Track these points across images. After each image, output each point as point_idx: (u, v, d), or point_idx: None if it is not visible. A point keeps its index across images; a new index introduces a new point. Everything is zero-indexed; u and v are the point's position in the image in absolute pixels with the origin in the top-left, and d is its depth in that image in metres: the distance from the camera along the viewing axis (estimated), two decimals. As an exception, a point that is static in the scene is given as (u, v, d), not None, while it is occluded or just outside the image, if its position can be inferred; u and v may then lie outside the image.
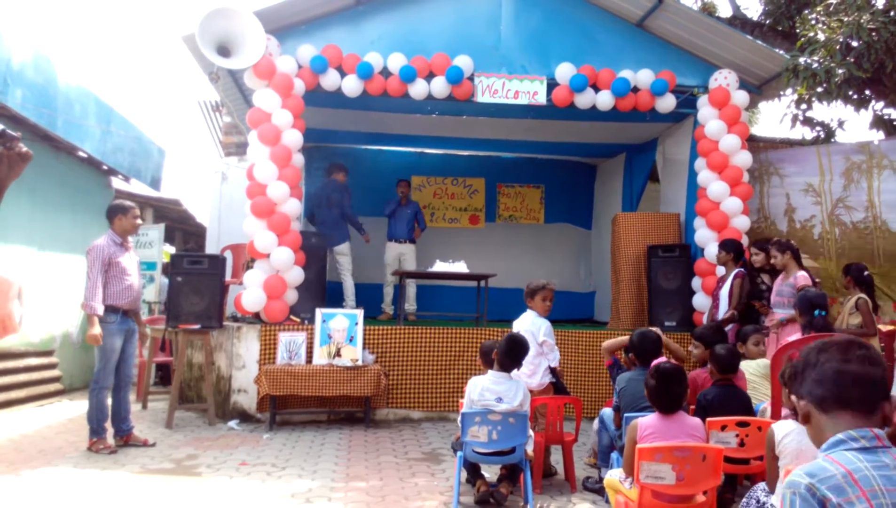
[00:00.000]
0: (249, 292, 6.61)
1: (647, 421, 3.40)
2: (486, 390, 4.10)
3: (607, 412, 4.51)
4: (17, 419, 6.52)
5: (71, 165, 8.52)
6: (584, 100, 7.16)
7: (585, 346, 7.14)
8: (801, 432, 3.03)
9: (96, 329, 5.14)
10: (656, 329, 4.70)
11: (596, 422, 4.86)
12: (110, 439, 5.37)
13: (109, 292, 5.24)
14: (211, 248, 9.44)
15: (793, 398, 1.72)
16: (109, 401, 5.37)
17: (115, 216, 5.43)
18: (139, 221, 5.55)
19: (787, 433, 3.00)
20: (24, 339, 7.57)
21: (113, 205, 5.55)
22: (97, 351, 5.27)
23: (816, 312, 4.51)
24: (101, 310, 5.16)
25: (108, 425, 5.38)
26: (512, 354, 4.19)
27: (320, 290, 7.29)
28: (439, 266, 7.42)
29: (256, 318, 6.80)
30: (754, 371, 4.86)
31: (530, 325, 4.91)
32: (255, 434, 6.00)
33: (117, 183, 9.92)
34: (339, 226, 8.32)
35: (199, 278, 6.55)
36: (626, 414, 3.95)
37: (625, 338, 4.70)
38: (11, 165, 2.37)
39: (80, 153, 8.43)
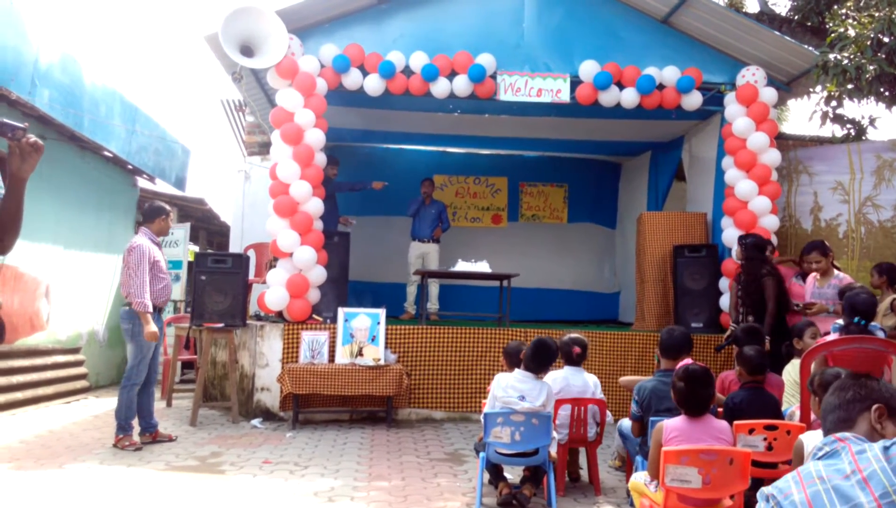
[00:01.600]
0: (272, 291, 6.63)
1: (673, 423, 3.33)
2: (511, 387, 4.07)
3: (626, 423, 4.44)
4: (44, 415, 6.61)
5: (96, 165, 8.63)
6: (609, 98, 7.08)
7: (610, 347, 7.06)
8: None
9: (153, 327, 5.26)
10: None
11: (617, 433, 4.80)
12: (136, 436, 5.42)
13: (151, 291, 5.34)
14: (234, 247, 9.50)
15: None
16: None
17: (157, 217, 5.58)
18: (169, 221, 5.71)
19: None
20: (52, 336, 7.68)
21: (156, 206, 5.67)
22: (133, 348, 5.36)
23: (856, 319, 4.40)
24: (151, 307, 5.28)
25: (135, 422, 5.44)
26: (538, 358, 4.16)
27: (343, 289, 7.29)
28: (462, 266, 7.39)
29: (279, 317, 6.82)
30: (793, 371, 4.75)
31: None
32: (278, 433, 6.02)
33: (142, 183, 10.03)
34: (329, 220, 8.12)
35: (222, 277, 6.59)
36: (651, 418, 3.88)
37: (641, 378, 4.60)
38: (24, 158, 2.33)
39: (106, 153, 8.53)
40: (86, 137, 7.74)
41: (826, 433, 1.75)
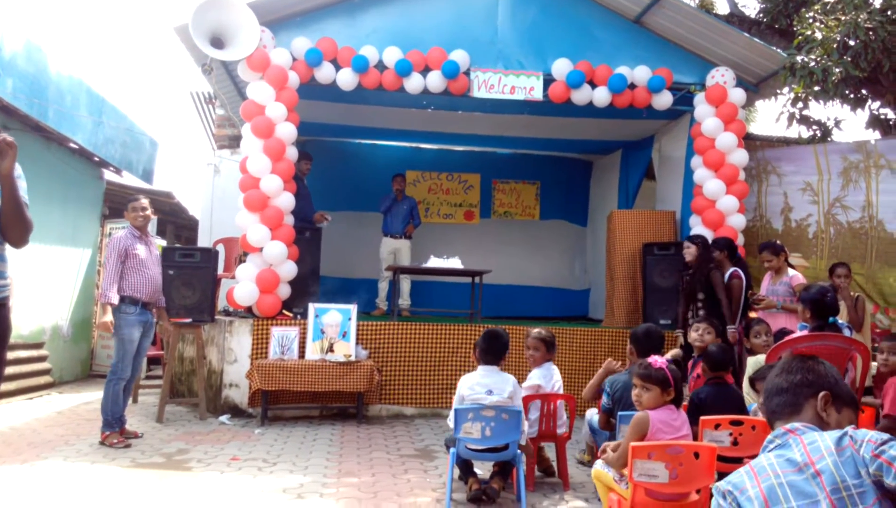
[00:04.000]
0: (242, 286, 6.56)
1: (658, 415, 3.35)
2: (477, 383, 4.10)
3: (594, 415, 4.48)
4: (6, 411, 6.46)
5: (62, 157, 8.45)
6: (581, 96, 7.12)
7: (580, 344, 7.12)
8: None
9: (108, 317, 5.20)
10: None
11: (586, 426, 4.85)
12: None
13: (129, 284, 5.29)
14: (203, 241, 9.37)
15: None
16: None
17: (126, 209, 5.55)
18: (143, 213, 5.52)
19: None
20: (14, 331, 7.48)
21: (128, 199, 5.66)
22: (115, 342, 5.31)
23: (832, 318, 4.49)
24: (114, 299, 5.20)
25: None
26: (491, 348, 4.20)
27: (314, 284, 7.24)
28: (434, 262, 7.39)
29: (249, 312, 6.75)
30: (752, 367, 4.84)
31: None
32: (247, 429, 5.96)
33: (109, 175, 9.85)
34: (302, 217, 8.00)
35: (190, 272, 6.51)
36: (621, 412, 3.92)
37: (597, 378, 4.63)
38: (3, 157, 2.43)
39: (72, 144, 8.36)
40: (51, 127, 7.57)
41: (770, 416, 1.73)
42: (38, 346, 7.95)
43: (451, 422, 4.11)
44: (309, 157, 8.20)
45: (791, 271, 6.12)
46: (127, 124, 9.50)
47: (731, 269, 6.31)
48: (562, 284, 10.51)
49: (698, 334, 4.86)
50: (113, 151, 9.14)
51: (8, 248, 2.77)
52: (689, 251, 6.31)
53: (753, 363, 4.75)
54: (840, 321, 5.44)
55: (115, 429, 5.26)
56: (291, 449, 5.28)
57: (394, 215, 8.75)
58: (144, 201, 5.59)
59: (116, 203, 10.48)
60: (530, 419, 4.47)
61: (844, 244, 7.59)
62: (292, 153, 6.94)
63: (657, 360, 3.50)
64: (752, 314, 6.16)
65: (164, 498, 4.00)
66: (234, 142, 9.60)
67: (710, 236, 7.05)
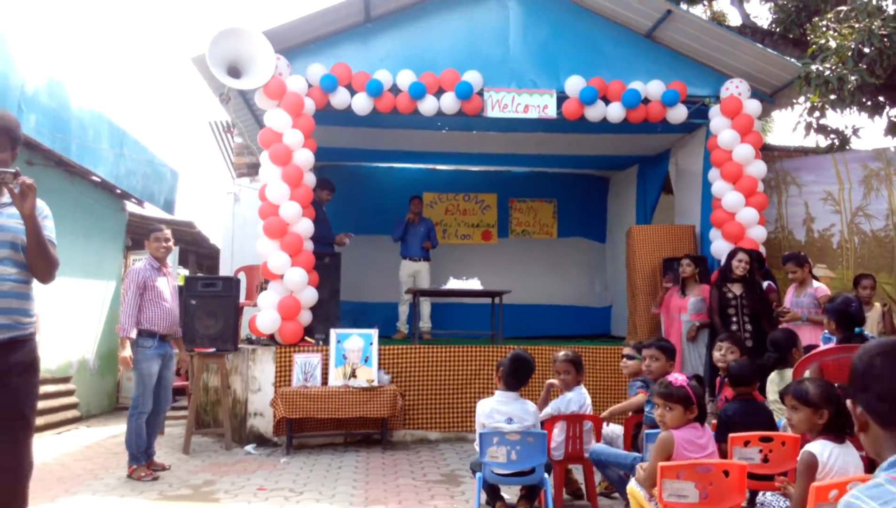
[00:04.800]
0: (264, 314, 6.59)
1: (682, 434, 3.31)
2: (495, 411, 4.05)
3: (600, 448, 4.39)
4: (35, 447, 6.50)
5: (84, 190, 8.59)
6: (595, 112, 7.13)
7: (603, 362, 7.06)
8: (842, 451, 2.95)
9: (126, 352, 5.17)
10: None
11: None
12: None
13: (146, 317, 5.27)
14: (224, 270, 9.45)
15: (848, 403, 1.62)
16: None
17: (147, 240, 5.56)
18: (167, 244, 5.55)
19: (829, 453, 2.92)
20: (42, 366, 7.56)
21: (148, 229, 5.67)
22: (135, 377, 5.30)
23: (858, 329, 4.42)
24: (133, 333, 5.19)
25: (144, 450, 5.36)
26: (517, 374, 4.15)
27: (334, 310, 7.26)
28: (453, 283, 7.38)
29: (271, 340, 6.78)
30: None
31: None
32: (273, 458, 5.96)
33: (131, 207, 9.99)
34: (321, 245, 8.08)
35: (213, 301, 6.54)
36: (647, 431, 3.87)
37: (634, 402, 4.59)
38: (23, 198, 2.55)
39: (94, 177, 8.49)
40: (73, 161, 7.70)
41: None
42: (66, 380, 8.03)
43: (477, 446, 4.08)
44: (330, 186, 8.25)
45: (816, 283, 6.07)
46: (148, 156, 9.65)
47: (766, 282, 6.29)
48: (583, 302, 10.45)
49: (721, 353, 4.74)
50: (134, 183, 9.28)
51: (35, 285, 2.88)
52: (742, 265, 6.21)
53: (775, 379, 4.67)
54: (867, 333, 5.36)
55: (141, 462, 5.26)
56: (317, 478, 5.26)
57: (411, 238, 8.77)
58: (167, 232, 5.60)
59: (139, 234, 10.62)
60: (556, 442, 4.43)
61: (870, 254, 7.48)
62: (310, 179, 7.00)
63: (678, 378, 3.46)
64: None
65: (192, 530, 4.00)
66: (252, 170, 9.70)
67: (730, 249, 6.98)
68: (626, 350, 5.15)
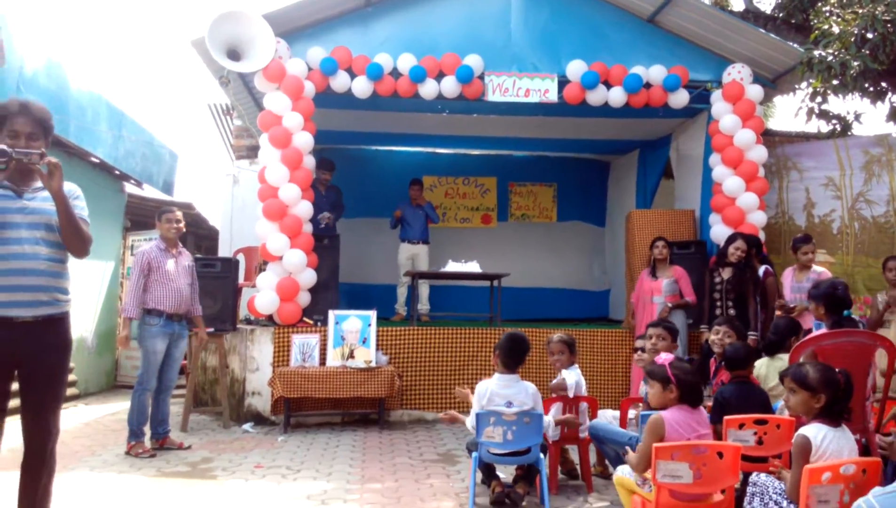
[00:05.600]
0: (262, 295, 6.61)
1: (672, 416, 3.33)
2: (495, 394, 4.06)
3: (600, 424, 4.42)
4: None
5: (83, 171, 8.56)
6: (596, 97, 7.11)
7: (601, 345, 7.09)
8: (837, 434, 2.97)
9: (124, 331, 5.38)
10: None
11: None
12: (147, 442, 5.40)
13: (152, 296, 5.37)
14: (224, 251, 9.46)
15: None
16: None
17: (158, 221, 5.62)
18: (177, 225, 5.61)
19: (824, 436, 2.94)
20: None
21: (159, 211, 5.72)
22: (141, 355, 5.41)
23: (846, 312, 4.43)
24: (133, 313, 5.31)
25: (147, 428, 5.45)
26: (513, 353, 4.15)
27: (333, 291, 7.27)
28: (452, 266, 7.39)
29: (270, 320, 6.81)
30: None
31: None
32: (270, 437, 6.00)
33: (130, 188, 9.97)
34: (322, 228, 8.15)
35: (212, 282, 6.57)
36: (642, 412, 3.90)
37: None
38: (51, 176, 2.78)
39: (93, 159, 8.48)
40: (72, 142, 7.69)
41: None
42: (64, 358, 8.06)
43: (469, 423, 4.10)
44: (329, 165, 8.25)
45: (819, 268, 6.06)
46: (147, 137, 9.63)
47: (763, 267, 6.28)
48: (581, 285, 10.47)
49: (718, 337, 4.78)
50: (133, 165, 9.27)
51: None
52: (738, 253, 6.19)
53: (760, 366, 4.68)
54: (855, 316, 5.39)
55: (140, 439, 5.32)
56: (314, 456, 5.30)
57: (411, 221, 8.77)
58: (178, 214, 5.66)
59: (138, 215, 10.62)
60: (547, 423, 4.44)
61: (870, 239, 7.48)
62: (310, 162, 6.99)
63: (661, 357, 3.51)
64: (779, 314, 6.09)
65: (190, 507, 4.04)
66: (252, 152, 9.68)
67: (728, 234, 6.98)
68: (639, 343, 5.17)
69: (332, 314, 6.58)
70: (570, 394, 4.52)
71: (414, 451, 5.52)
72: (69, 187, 2.95)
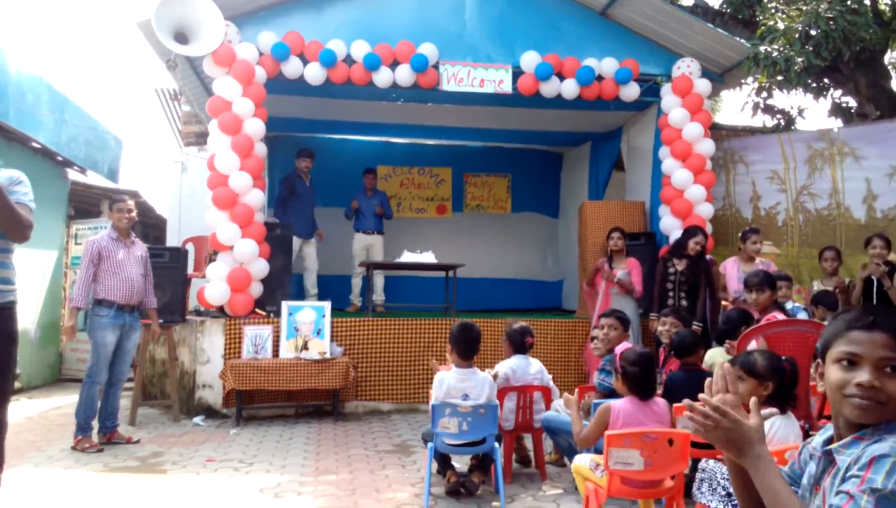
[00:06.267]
0: (213, 286, 6.48)
1: (620, 406, 3.41)
2: (452, 388, 4.07)
3: (552, 416, 4.48)
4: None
5: (24, 157, 8.23)
6: (550, 88, 7.15)
7: (554, 334, 7.17)
8: (784, 421, 3.06)
9: (70, 322, 5.25)
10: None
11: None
12: (94, 437, 5.25)
13: (103, 286, 5.24)
14: (172, 240, 9.24)
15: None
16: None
17: (109, 211, 5.44)
18: (129, 215, 5.48)
19: (772, 423, 3.03)
20: (-22, 337, 7.32)
21: (112, 200, 5.57)
22: (91, 347, 5.25)
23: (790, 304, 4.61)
24: (82, 303, 5.18)
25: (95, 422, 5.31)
26: (467, 343, 4.17)
27: (286, 282, 7.18)
28: (407, 257, 7.37)
29: (220, 312, 6.68)
30: None
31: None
32: (222, 430, 5.90)
33: (73, 175, 9.63)
34: (302, 222, 8.20)
35: (160, 272, 6.37)
36: (594, 401, 3.97)
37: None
38: None
39: (34, 144, 8.16)
40: (12, 127, 7.38)
41: None
42: (4, 351, 7.77)
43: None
44: (307, 154, 8.31)
45: (765, 260, 6.24)
46: (90, 123, 9.31)
47: (708, 257, 6.45)
48: (535, 276, 10.57)
49: (665, 328, 4.90)
50: (77, 151, 8.95)
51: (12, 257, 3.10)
52: (698, 248, 6.29)
53: (713, 355, 4.81)
54: (795, 306, 5.59)
55: (88, 434, 5.17)
56: (268, 449, 5.24)
57: (365, 211, 8.72)
58: (130, 203, 5.54)
59: (82, 203, 10.28)
60: (506, 410, 4.49)
61: (814, 231, 7.74)
62: (261, 149, 6.87)
63: (620, 347, 3.58)
64: (725, 304, 6.26)
65: (140, 502, 3.95)
66: (201, 139, 9.45)
67: (678, 226, 7.14)
68: (595, 332, 5.24)
69: (285, 305, 6.50)
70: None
71: (369, 442, 5.50)
72: (10, 174, 2.90)
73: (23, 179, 3.02)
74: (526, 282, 10.47)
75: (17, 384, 7.59)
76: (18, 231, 2.95)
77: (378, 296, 8.53)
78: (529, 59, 7.09)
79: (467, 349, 4.18)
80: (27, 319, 8.43)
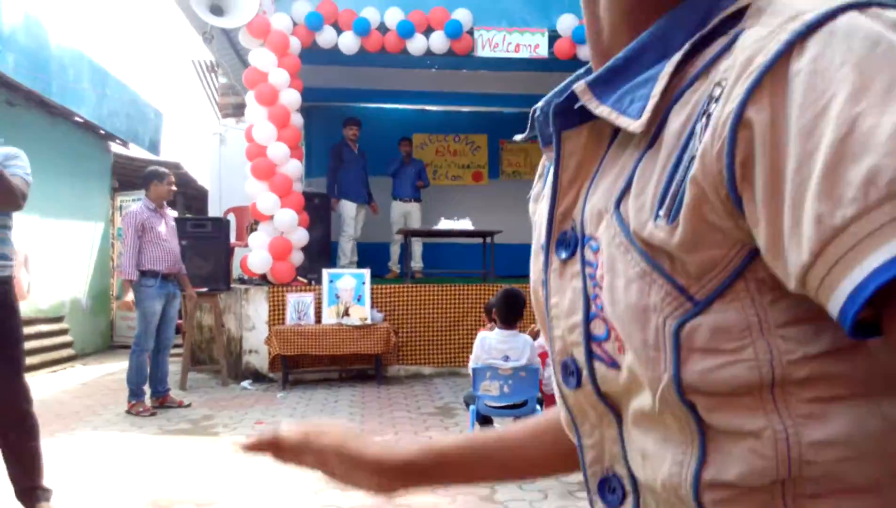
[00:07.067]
0: (255, 254, 6.62)
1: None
2: (493, 348, 4.13)
3: None
4: (31, 385, 6.58)
5: (67, 131, 8.46)
6: (587, 51, 7.03)
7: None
8: None
9: (129, 296, 5.40)
10: None
11: None
12: (147, 401, 5.47)
13: (146, 257, 5.39)
14: (213, 211, 9.42)
15: None
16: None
17: (150, 183, 5.58)
18: (174, 187, 5.66)
19: None
20: (34, 306, 7.62)
21: (148, 171, 5.69)
22: (137, 315, 5.42)
23: None
24: (134, 276, 5.34)
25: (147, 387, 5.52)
26: (512, 308, 4.21)
27: (325, 250, 7.30)
28: (444, 224, 7.42)
29: (263, 280, 6.83)
30: None
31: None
32: (269, 394, 6.08)
33: (115, 148, 9.86)
34: (356, 189, 8.29)
35: (203, 242, 6.57)
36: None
37: None
38: None
39: (77, 118, 8.36)
40: (55, 102, 7.57)
41: None
42: (59, 320, 8.08)
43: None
44: (355, 122, 8.30)
45: None
46: (131, 96, 9.48)
47: None
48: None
49: None
50: (118, 124, 9.15)
51: (13, 233, 3.17)
52: None
53: None
54: None
55: (140, 398, 5.38)
56: (314, 412, 5.40)
57: (402, 178, 8.75)
58: (172, 176, 5.69)
59: (125, 176, 10.52)
60: (547, 375, 4.55)
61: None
62: (297, 120, 6.93)
63: None
64: None
65: (194, 463, 4.12)
66: (238, 110, 9.55)
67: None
68: None
69: (325, 273, 6.61)
70: None
71: (412, 405, 5.63)
72: (7, 151, 3.01)
73: (20, 154, 3.09)
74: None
75: (71, 352, 7.92)
76: (11, 199, 2.96)
77: (416, 263, 8.61)
78: (566, 23, 6.98)
79: (511, 313, 4.22)
80: (77, 289, 8.73)
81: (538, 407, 4.14)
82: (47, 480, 3.19)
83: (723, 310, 0.42)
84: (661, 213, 0.43)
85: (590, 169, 0.53)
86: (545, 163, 0.68)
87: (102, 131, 9.05)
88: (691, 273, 0.43)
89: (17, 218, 3.25)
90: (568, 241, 0.55)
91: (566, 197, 0.55)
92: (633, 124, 0.47)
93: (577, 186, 0.54)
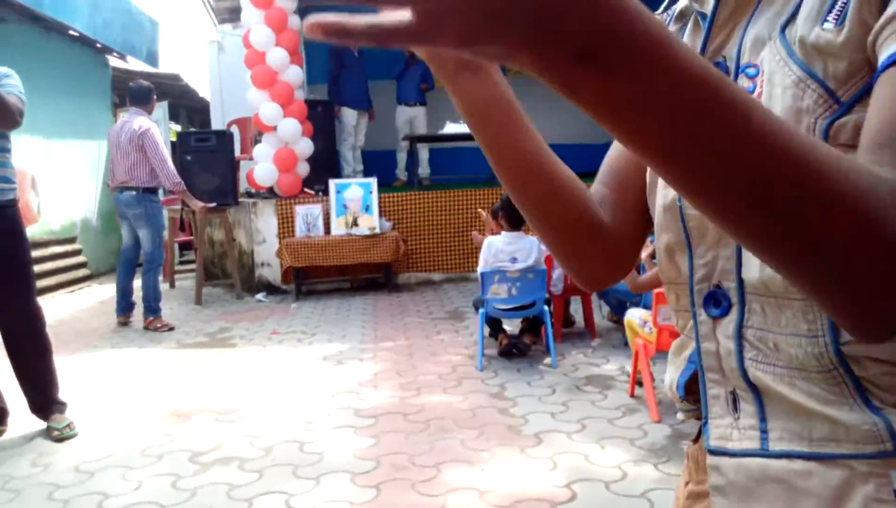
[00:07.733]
0: (261, 167, 6.56)
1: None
2: (500, 251, 4.13)
3: None
4: (49, 305, 6.72)
5: (63, 47, 8.24)
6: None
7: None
8: None
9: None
10: None
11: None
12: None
13: (154, 174, 5.32)
14: (216, 123, 9.26)
15: None
16: None
17: (151, 99, 5.50)
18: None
19: None
20: (46, 228, 7.66)
21: (145, 88, 5.53)
22: (150, 232, 5.33)
23: None
24: (183, 185, 5.45)
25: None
26: (515, 211, 4.16)
27: (331, 161, 7.21)
28: (451, 128, 7.28)
29: (270, 193, 6.80)
30: None
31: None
32: (283, 305, 6.18)
33: (113, 61, 9.64)
34: (357, 92, 8.08)
35: (208, 156, 6.50)
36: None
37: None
38: None
39: (72, 32, 8.13)
40: (48, 15, 7.33)
41: None
42: (72, 240, 8.15)
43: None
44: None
45: None
46: (124, 5, 9.18)
47: None
48: (585, 139, 10.31)
49: None
50: (114, 36, 8.89)
51: (12, 155, 3.15)
52: None
53: None
54: None
55: (157, 314, 5.47)
56: (327, 320, 5.49)
57: (407, 82, 8.52)
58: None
59: (124, 90, 10.31)
60: (555, 276, 4.55)
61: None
62: (295, 22, 6.69)
63: None
64: None
65: (213, 374, 4.23)
66: (234, 15, 9.21)
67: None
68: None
69: (332, 184, 6.56)
70: None
71: (423, 311, 5.70)
72: None
73: (11, 73, 3.06)
74: (574, 146, 10.21)
75: (86, 271, 8.02)
76: (9, 116, 2.96)
77: (423, 169, 8.51)
78: None
79: (517, 215, 4.18)
80: (87, 208, 8.76)
81: (546, 308, 4.17)
82: (64, 394, 3.30)
83: (864, 110, 0.48)
84: (830, 17, 0.51)
85: (747, 8, 0.59)
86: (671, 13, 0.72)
87: (99, 45, 8.81)
88: (840, 77, 0.50)
89: (21, 140, 3.26)
90: None
91: (719, 35, 0.61)
92: None
93: (733, 24, 0.60)
